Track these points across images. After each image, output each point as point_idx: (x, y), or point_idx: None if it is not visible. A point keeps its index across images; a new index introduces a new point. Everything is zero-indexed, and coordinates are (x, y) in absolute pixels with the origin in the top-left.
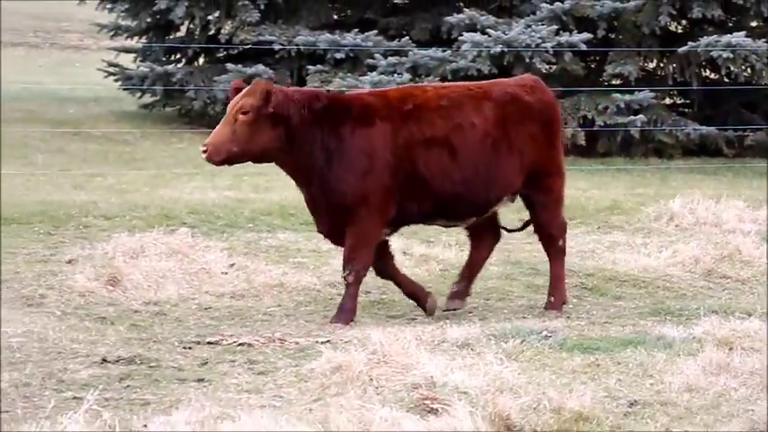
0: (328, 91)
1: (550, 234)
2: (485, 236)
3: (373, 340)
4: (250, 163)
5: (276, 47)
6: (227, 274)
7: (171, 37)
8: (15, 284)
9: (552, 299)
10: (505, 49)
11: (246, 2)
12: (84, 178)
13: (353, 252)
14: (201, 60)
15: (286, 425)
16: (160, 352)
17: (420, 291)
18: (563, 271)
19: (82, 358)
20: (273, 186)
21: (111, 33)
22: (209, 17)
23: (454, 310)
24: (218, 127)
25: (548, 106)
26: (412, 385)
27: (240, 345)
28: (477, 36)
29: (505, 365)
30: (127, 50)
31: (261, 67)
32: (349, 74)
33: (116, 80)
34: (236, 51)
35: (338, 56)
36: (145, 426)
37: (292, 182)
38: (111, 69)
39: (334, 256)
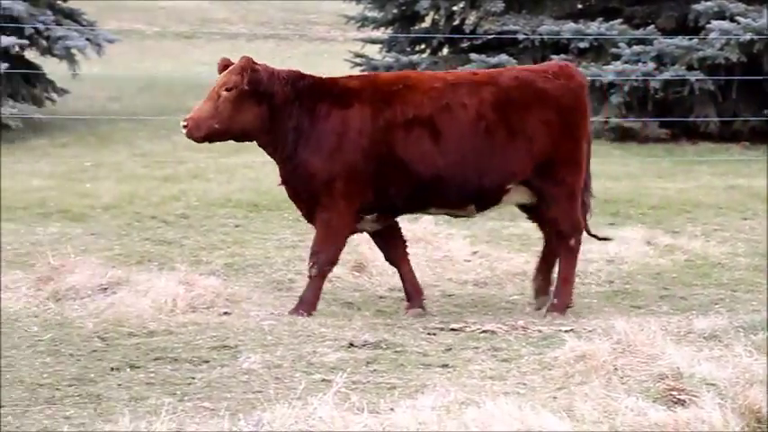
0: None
1: (560, 231)
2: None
3: (617, 330)
4: None
5: (520, 36)
6: (470, 261)
7: (416, 27)
8: (266, 269)
9: (555, 301)
10: (755, 38)
11: None
12: None
13: (319, 244)
14: (446, 51)
15: (530, 412)
16: (405, 337)
17: (415, 292)
18: (572, 273)
19: (330, 342)
20: None
21: (358, 25)
22: (454, 8)
23: (542, 306)
24: (200, 103)
25: (570, 93)
26: (658, 376)
27: (483, 332)
28: (726, 24)
29: (755, 358)
30: (373, 41)
31: (504, 56)
32: (593, 63)
33: (362, 70)
34: (479, 41)
35: (582, 45)
36: (391, 409)
37: None
38: (358, 60)
39: None
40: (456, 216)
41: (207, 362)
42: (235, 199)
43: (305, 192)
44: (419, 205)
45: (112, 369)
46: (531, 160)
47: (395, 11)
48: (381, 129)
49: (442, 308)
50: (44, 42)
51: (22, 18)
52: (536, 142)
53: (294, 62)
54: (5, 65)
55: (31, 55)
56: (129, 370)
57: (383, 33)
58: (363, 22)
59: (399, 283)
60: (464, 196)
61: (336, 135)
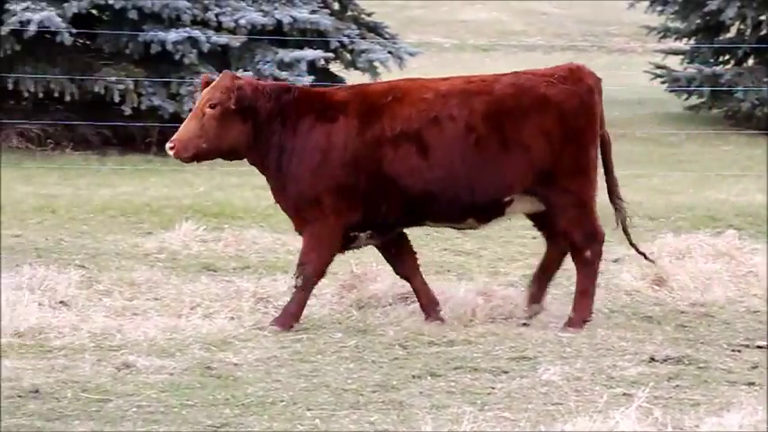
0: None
1: (573, 243)
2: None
3: None
4: None
5: None
6: None
7: (720, 38)
8: (564, 281)
9: (572, 315)
10: None
11: None
12: (629, 179)
13: (305, 255)
14: (751, 61)
15: None
16: (708, 353)
17: (431, 304)
18: (590, 286)
19: (630, 356)
20: None
21: (660, 36)
22: (762, 17)
23: (534, 315)
24: (185, 122)
25: (575, 97)
26: None
27: None
28: None
29: None
30: (674, 52)
31: None
32: None
33: (662, 82)
34: None
35: None
36: (696, 426)
37: None
38: (658, 71)
39: None
40: (459, 229)
41: (506, 372)
42: None
43: (292, 207)
44: (413, 220)
45: (414, 377)
46: (529, 170)
47: (698, 21)
48: (368, 143)
49: (746, 324)
50: (348, 55)
51: (329, 32)
52: (534, 151)
53: None
54: (311, 77)
55: (335, 68)
56: (429, 378)
57: (685, 44)
58: (665, 32)
59: (701, 299)
60: (458, 211)
61: (320, 151)
